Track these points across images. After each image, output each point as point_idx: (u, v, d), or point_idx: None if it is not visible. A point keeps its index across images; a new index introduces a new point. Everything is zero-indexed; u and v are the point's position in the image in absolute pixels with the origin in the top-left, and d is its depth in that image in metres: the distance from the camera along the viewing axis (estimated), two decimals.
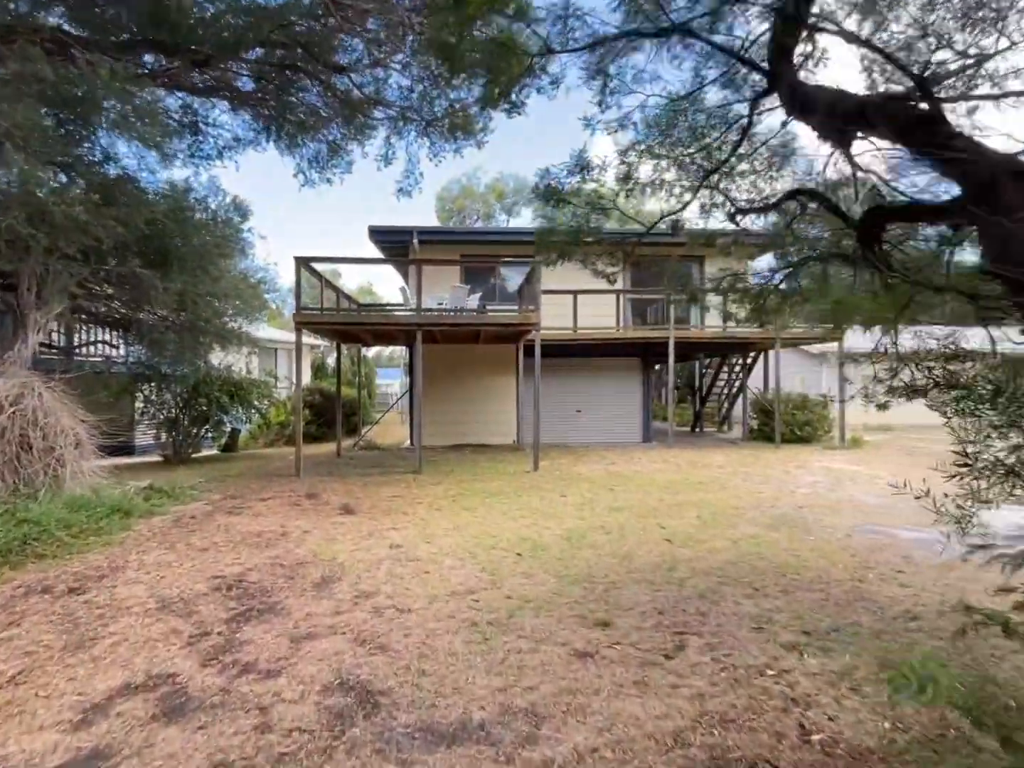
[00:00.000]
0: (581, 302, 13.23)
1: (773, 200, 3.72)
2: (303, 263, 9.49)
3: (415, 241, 13.24)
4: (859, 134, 2.87)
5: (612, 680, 2.88)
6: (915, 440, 14.83)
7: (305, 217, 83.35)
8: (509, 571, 4.67)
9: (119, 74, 6.89)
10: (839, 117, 2.75)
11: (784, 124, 3.96)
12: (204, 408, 12.08)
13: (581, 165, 3.98)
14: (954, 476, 2.25)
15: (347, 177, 10.33)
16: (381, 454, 12.76)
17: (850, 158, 3.06)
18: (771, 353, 15.69)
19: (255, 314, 12.57)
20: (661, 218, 5.10)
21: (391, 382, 36.70)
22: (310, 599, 4.12)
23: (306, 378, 22.16)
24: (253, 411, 13.37)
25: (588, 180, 4.14)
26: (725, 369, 17.03)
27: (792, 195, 3.51)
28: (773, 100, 3.68)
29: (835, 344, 15.65)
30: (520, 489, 8.20)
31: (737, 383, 16.70)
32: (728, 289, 5.28)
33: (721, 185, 4.38)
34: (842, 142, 2.99)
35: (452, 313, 9.84)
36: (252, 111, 9.21)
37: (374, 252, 14.65)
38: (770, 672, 2.94)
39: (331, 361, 28.99)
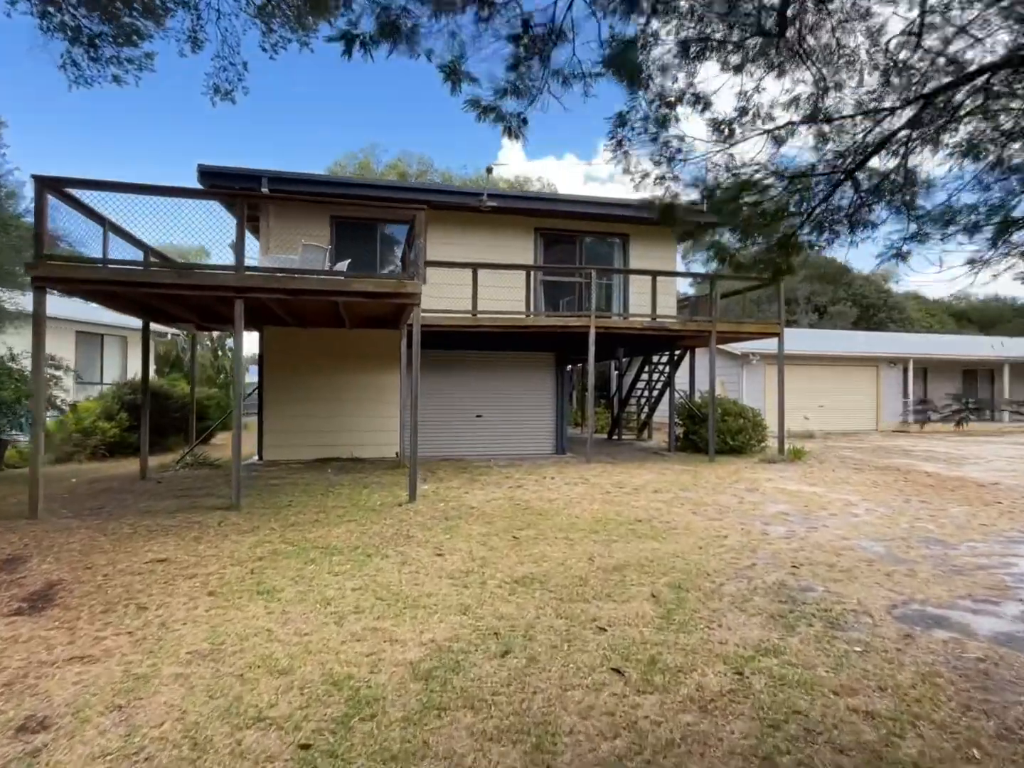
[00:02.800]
0: (483, 281, 10.57)
1: None
2: (47, 185, 6.05)
3: (265, 190, 9.95)
4: None
5: None
6: (845, 449, 13.57)
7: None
8: None
9: None
10: None
11: None
12: None
13: None
14: None
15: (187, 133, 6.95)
16: (209, 474, 9.34)
17: None
18: (699, 352, 13.95)
19: (16, 276, 8.82)
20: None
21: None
22: None
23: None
24: (19, 416, 9.47)
25: None
26: (646, 369, 15.07)
27: None
28: None
29: (755, 344, 14.14)
30: (376, 540, 5.33)
31: (660, 385, 14.78)
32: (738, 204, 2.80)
33: None
34: None
35: (295, 277, 6.76)
36: None
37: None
38: None
39: (200, 351, 24.29)
